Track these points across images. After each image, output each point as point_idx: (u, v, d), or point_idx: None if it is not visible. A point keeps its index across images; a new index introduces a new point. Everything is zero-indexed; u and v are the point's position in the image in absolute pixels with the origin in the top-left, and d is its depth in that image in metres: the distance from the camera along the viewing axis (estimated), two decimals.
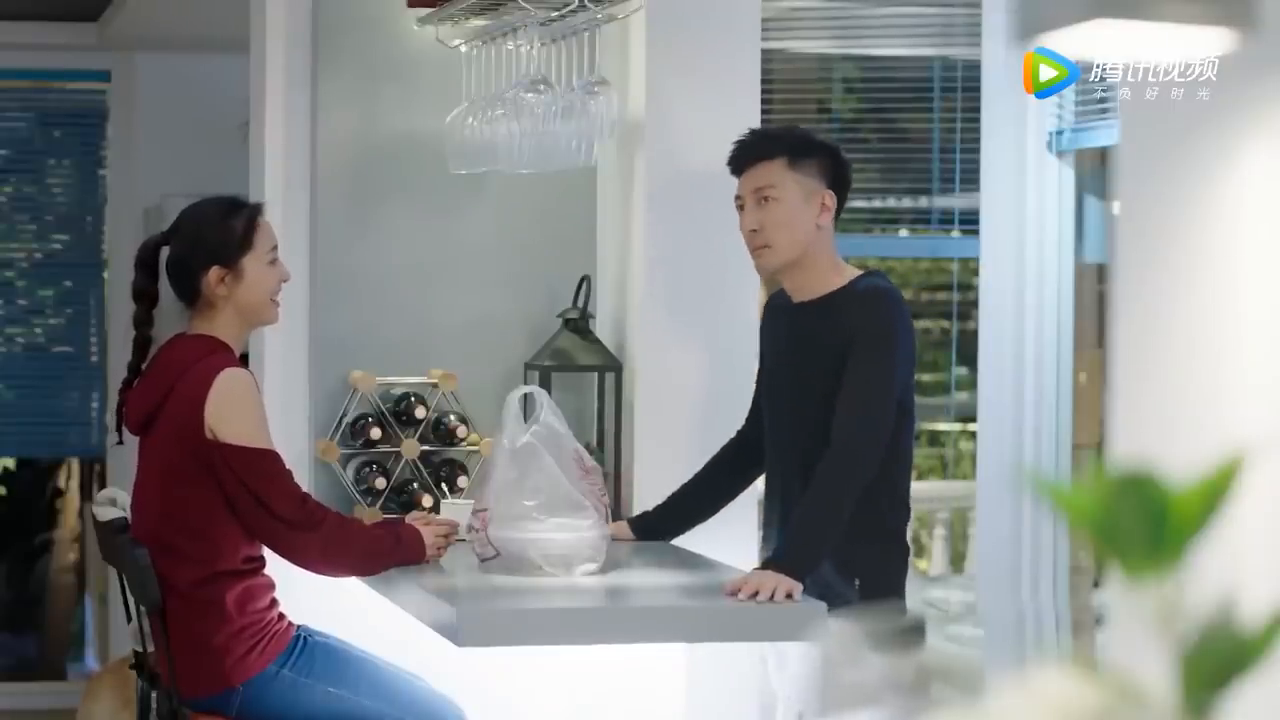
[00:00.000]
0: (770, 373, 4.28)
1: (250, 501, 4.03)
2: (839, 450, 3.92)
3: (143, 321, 4.28)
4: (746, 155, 4.17)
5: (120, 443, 4.40)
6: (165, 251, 4.27)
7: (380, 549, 4.12)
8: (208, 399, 4.03)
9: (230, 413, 4.03)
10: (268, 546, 4.11)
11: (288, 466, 4.11)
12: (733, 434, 4.44)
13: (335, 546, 4.07)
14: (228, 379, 4.05)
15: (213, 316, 4.17)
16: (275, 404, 5.16)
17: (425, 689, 4.28)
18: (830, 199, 4.13)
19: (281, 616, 4.18)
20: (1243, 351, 2.54)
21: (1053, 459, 6.17)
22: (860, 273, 4.16)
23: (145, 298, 4.28)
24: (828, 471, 3.92)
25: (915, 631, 4.13)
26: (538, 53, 4.73)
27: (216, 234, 4.18)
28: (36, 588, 8.71)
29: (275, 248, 4.23)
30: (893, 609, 4.04)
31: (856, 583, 4.02)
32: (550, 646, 4.18)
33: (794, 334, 4.17)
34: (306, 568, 4.11)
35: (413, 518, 4.32)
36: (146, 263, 4.29)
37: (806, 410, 4.09)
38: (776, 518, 4.19)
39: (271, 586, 4.17)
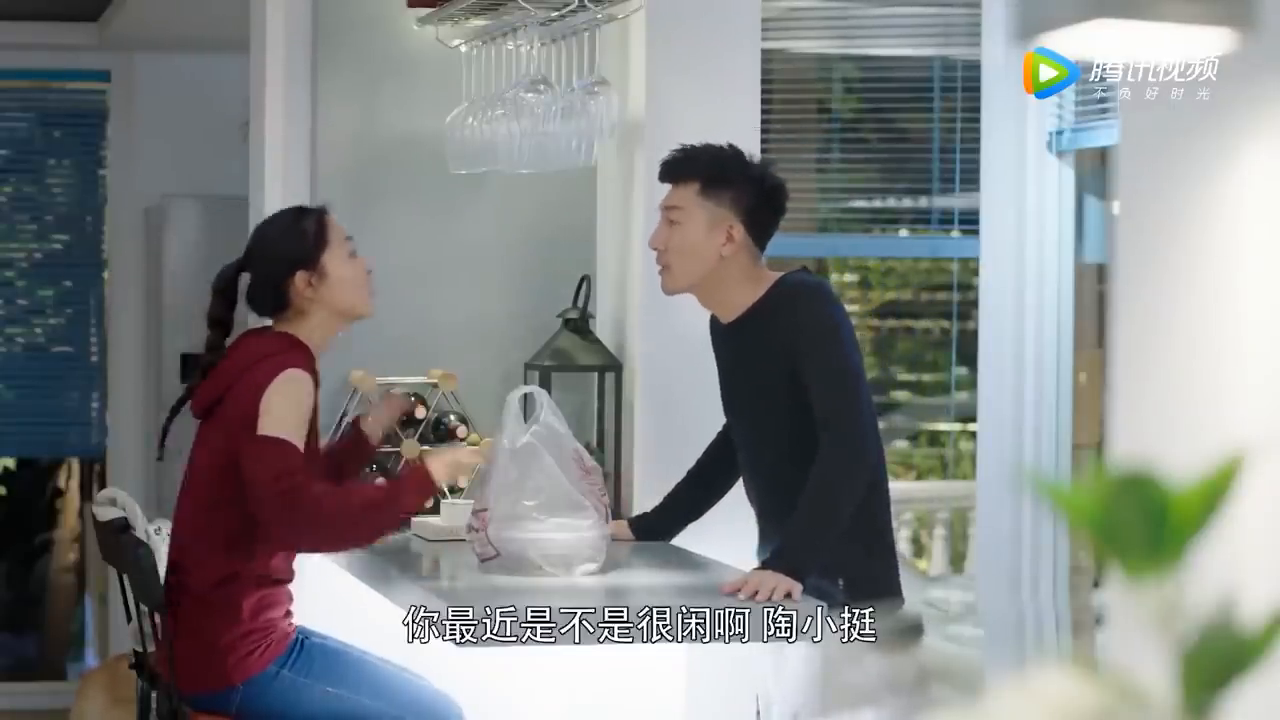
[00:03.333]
0: (725, 393, 4.27)
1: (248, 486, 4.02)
2: (834, 445, 3.89)
3: (215, 347, 4.25)
4: (667, 172, 4.17)
5: (160, 459, 4.40)
6: (244, 278, 4.25)
7: (375, 500, 4.02)
8: (266, 392, 4.03)
9: (272, 406, 4.03)
10: (265, 533, 4.08)
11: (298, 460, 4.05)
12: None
13: (319, 523, 3.97)
14: (289, 378, 4.05)
15: (302, 322, 4.18)
16: None
17: (426, 688, 4.28)
18: (738, 231, 4.08)
19: (291, 624, 4.18)
20: (1243, 351, 2.54)
21: (1053, 459, 6.17)
22: (778, 276, 4.15)
23: (221, 325, 4.26)
24: (824, 469, 3.89)
25: (912, 631, 4.12)
26: (538, 53, 4.74)
27: (292, 240, 4.18)
28: (36, 588, 8.71)
29: (350, 238, 4.24)
30: (887, 609, 4.02)
31: (840, 582, 4.00)
32: (550, 646, 4.18)
33: (732, 354, 4.17)
34: (302, 549, 4.08)
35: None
36: (224, 291, 4.26)
37: (766, 425, 4.09)
38: (761, 531, 4.20)
39: (290, 599, 4.17)
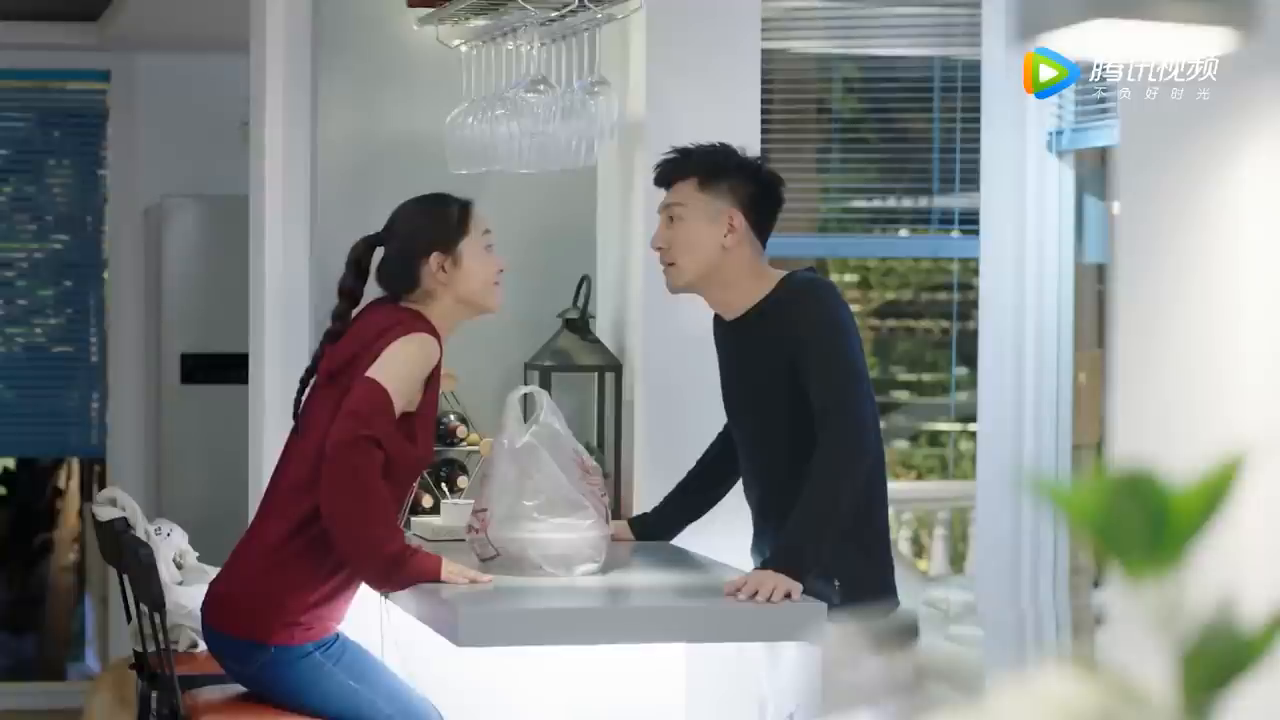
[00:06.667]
0: (727, 392, 4.27)
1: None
2: (833, 439, 3.89)
3: (341, 316, 4.26)
4: (663, 175, 4.19)
5: (297, 430, 4.28)
6: (378, 252, 4.27)
7: (392, 539, 3.95)
8: (393, 343, 4.05)
9: (393, 357, 4.04)
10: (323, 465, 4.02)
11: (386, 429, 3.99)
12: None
13: (350, 494, 3.93)
14: (419, 338, 4.08)
15: (430, 305, 4.18)
16: (275, 404, 5.16)
17: (435, 713, 4.27)
18: (739, 220, 4.10)
19: (336, 626, 4.18)
20: (1243, 351, 2.54)
21: (1053, 459, 6.17)
22: (784, 274, 4.15)
23: (350, 296, 4.27)
24: (823, 462, 3.88)
25: (907, 632, 4.12)
26: (538, 53, 4.74)
27: (433, 222, 4.20)
28: (36, 588, 8.71)
29: (489, 231, 4.25)
30: (881, 609, 4.02)
31: (836, 584, 3.99)
32: (550, 646, 4.18)
33: (735, 352, 4.17)
34: (320, 502, 4.00)
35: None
36: (358, 262, 4.29)
37: (766, 425, 4.09)
38: (757, 530, 4.19)
39: (351, 595, 4.17)
